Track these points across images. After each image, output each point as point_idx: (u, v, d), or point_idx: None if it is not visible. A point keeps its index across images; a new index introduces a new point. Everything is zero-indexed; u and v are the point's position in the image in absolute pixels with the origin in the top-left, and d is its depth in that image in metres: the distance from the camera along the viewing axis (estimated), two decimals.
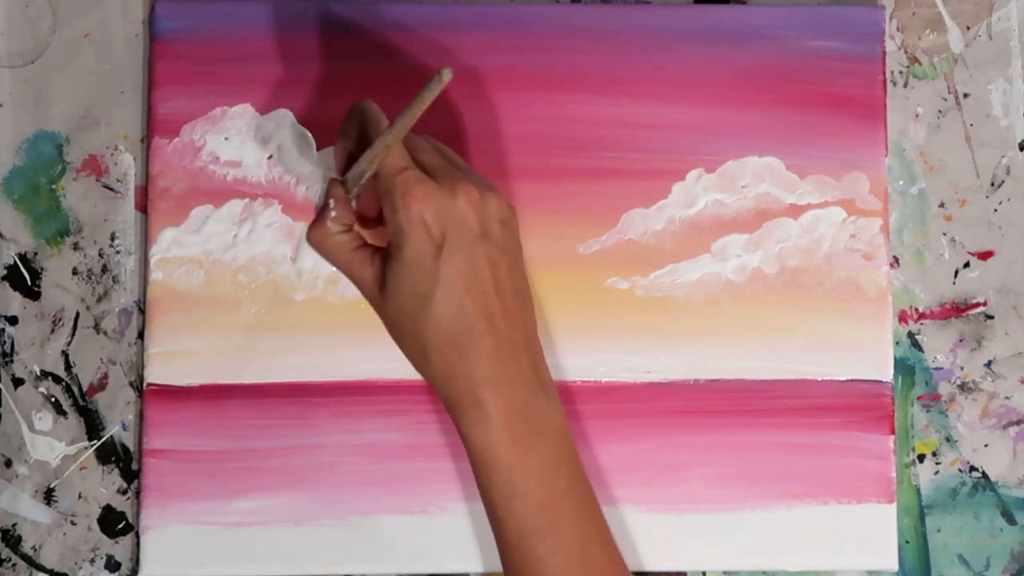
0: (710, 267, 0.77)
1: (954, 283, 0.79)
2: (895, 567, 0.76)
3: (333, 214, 0.70)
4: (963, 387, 0.79)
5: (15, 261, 0.78)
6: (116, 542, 0.77)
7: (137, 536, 0.76)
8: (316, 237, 0.70)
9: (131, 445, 0.77)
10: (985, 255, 0.79)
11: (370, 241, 0.71)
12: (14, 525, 0.77)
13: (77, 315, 0.77)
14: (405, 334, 0.69)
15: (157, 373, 0.75)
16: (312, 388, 0.76)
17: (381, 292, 0.69)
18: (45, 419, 0.77)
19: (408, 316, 0.68)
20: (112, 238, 0.78)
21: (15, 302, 0.77)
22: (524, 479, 0.67)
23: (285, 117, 0.77)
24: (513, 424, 0.67)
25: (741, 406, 0.76)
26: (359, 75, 0.77)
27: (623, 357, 0.76)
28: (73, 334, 0.77)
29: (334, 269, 0.76)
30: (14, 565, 0.76)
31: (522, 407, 0.67)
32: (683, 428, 0.76)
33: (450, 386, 0.68)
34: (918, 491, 0.78)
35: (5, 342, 0.77)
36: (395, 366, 0.76)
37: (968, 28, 0.80)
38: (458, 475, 0.75)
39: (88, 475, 0.77)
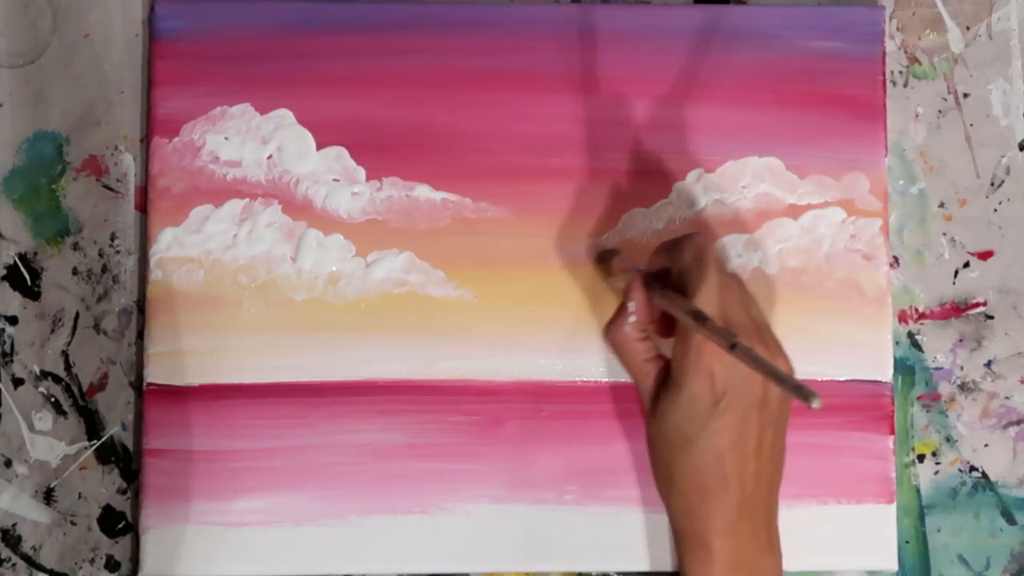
0: None
1: (954, 283, 0.79)
2: (895, 567, 0.76)
3: (632, 319, 0.71)
4: (963, 387, 0.79)
5: (15, 261, 0.78)
6: (116, 542, 0.77)
7: (137, 536, 0.76)
8: (614, 338, 0.71)
9: (131, 445, 0.77)
10: (985, 255, 0.79)
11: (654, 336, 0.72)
12: (14, 525, 0.77)
13: (77, 315, 0.77)
14: (659, 458, 0.70)
15: (157, 373, 0.75)
16: (312, 388, 0.76)
17: (652, 408, 0.70)
18: (45, 419, 0.77)
19: (667, 446, 0.69)
20: (112, 238, 0.78)
21: (15, 302, 0.77)
22: None
23: (285, 117, 0.77)
24: (734, 574, 0.68)
25: None
26: (359, 75, 0.77)
27: None
28: (73, 334, 0.77)
29: (334, 268, 0.76)
30: (14, 565, 0.76)
31: (746, 561, 0.68)
32: None
33: (685, 522, 0.69)
34: (918, 491, 0.78)
35: (5, 342, 0.77)
36: (395, 366, 0.76)
37: (968, 28, 0.80)
38: (458, 475, 0.75)
39: (88, 475, 0.77)
